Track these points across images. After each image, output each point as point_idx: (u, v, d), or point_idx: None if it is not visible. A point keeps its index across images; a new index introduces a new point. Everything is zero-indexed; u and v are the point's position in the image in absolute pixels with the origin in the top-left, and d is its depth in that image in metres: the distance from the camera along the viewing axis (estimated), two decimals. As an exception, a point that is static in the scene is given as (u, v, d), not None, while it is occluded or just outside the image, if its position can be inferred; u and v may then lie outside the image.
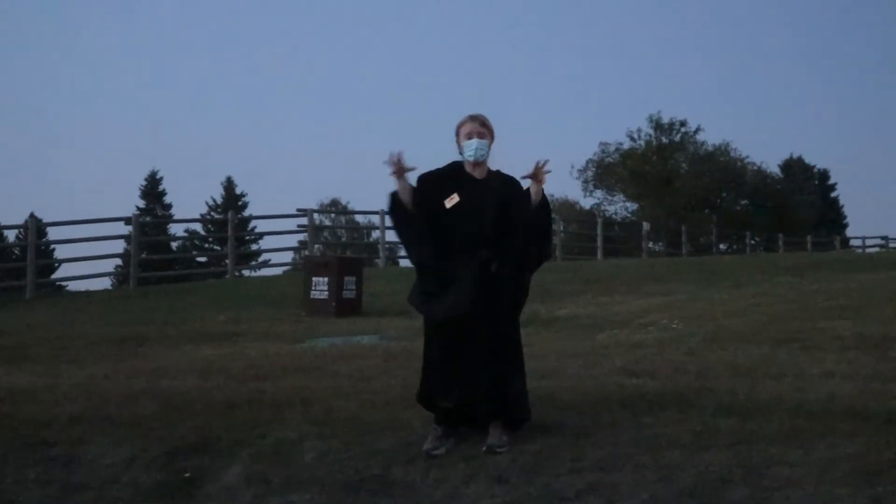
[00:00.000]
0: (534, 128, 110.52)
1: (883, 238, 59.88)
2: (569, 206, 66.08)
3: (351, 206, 72.41)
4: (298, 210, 32.06)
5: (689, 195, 56.54)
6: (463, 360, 6.78)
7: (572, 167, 59.74)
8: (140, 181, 68.47)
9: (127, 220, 28.28)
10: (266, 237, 36.28)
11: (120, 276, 36.78)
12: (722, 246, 53.77)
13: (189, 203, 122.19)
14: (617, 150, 59.47)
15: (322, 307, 17.40)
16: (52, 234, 37.20)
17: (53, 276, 36.34)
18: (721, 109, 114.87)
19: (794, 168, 76.83)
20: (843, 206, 79.88)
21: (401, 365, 9.76)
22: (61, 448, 7.50)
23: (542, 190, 6.96)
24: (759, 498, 5.72)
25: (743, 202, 60.57)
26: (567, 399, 7.78)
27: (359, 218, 57.56)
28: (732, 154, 60.35)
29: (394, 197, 6.97)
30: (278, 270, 36.15)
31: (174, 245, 57.22)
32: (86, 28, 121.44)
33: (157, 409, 8.17)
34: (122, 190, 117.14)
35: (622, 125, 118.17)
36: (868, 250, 54.43)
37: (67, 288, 30.15)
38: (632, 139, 59.73)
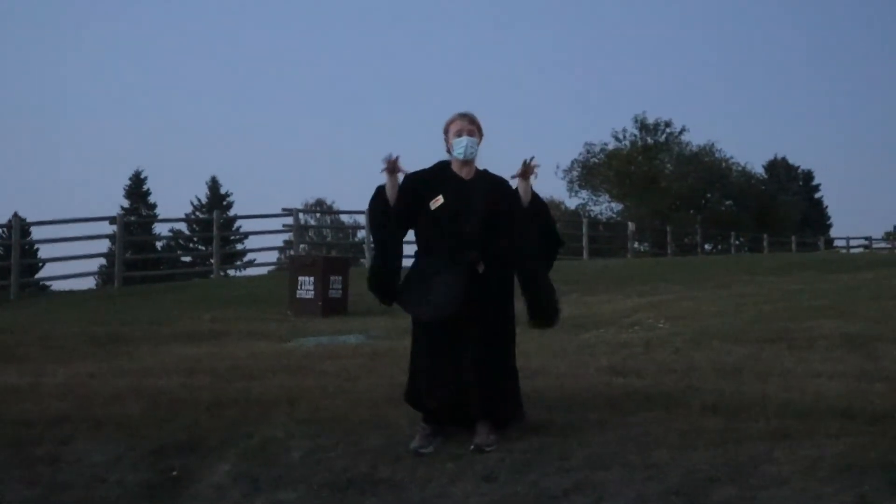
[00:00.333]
0: (519, 128, 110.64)
1: (867, 239, 60.10)
2: (554, 206, 66.01)
3: (336, 206, 72.43)
4: (284, 210, 32.02)
5: (674, 195, 56.62)
6: (451, 360, 6.79)
7: (557, 167, 59.76)
8: (124, 181, 68.31)
9: (112, 220, 28.18)
10: (251, 237, 36.20)
11: (104, 275, 36.72)
12: (707, 246, 53.83)
13: (174, 203, 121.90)
14: (602, 150, 59.52)
15: (308, 307, 17.39)
16: (36, 233, 37.11)
17: (37, 275, 36.25)
18: (706, 110, 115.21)
19: (779, 168, 77.13)
20: (827, 207, 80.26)
21: (387, 364, 9.77)
22: (47, 447, 7.47)
23: (532, 188, 6.96)
24: (745, 496, 5.74)
25: (728, 202, 60.67)
26: (554, 398, 7.79)
27: (344, 218, 57.55)
28: (717, 154, 60.47)
29: (379, 190, 6.98)
30: (263, 270, 36.07)
31: (159, 245, 57.13)
32: (71, 26, 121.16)
33: (144, 409, 8.15)
34: (107, 190, 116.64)
35: (607, 125, 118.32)
36: (852, 251, 54.60)
37: (51, 287, 30.06)
38: (617, 139, 59.83)
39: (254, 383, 9.07)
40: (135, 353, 12.03)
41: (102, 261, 33.08)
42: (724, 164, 60.37)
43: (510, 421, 6.97)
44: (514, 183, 6.96)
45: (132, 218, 51.28)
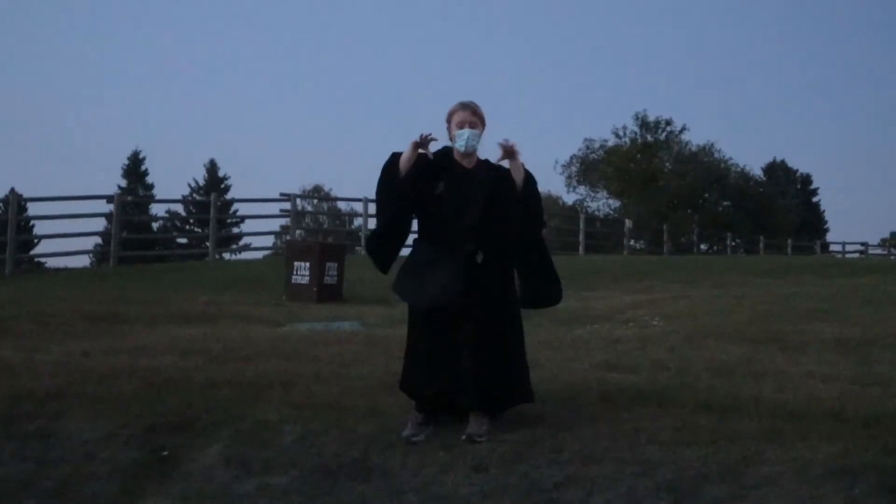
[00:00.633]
0: (518, 122, 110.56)
1: (863, 244, 60.20)
2: (552, 201, 66.02)
3: (333, 193, 72.30)
4: (281, 195, 32.00)
5: (672, 194, 56.56)
6: (447, 349, 6.77)
7: (556, 162, 59.78)
8: (123, 160, 68.21)
9: (109, 199, 28.16)
10: (248, 221, 36.26)
11: (99, 254, 36.68)
12: (703, 246, 53.85)
13: (171, 184, 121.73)
14: (602, 146, 59.43)
15: (303, 292, 17.40)
16: (33, 209, 37.05)
17: (33, 251, 36.22)
18: (706, 110, 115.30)
19: (778, 171, 77.15)
20: (824, 212, 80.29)
21: (381, 352, 9.77)
22: (39, 423, 7.49)
23: (523, 166, 6.94)
24: (737, 495, 5.74)
25: (725, 203, 60.63)
26: (547, 391, 7.77)
27: (341, 205, 57.44)
28: (716, 155, 60.43)
29: (394, 156, 6.93)
30: (259, 255, 36.05)
31: (155, 226, 57.06)
32: (72, 5, 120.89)
33: (137, 388, 8.14)
34: (104, 169, 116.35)
35: (607, 122, 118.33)
36: (848, 256, 54.68)
37: (46, 265, 30.04)
38: (617, 136, 59.68)
39: (247, 366, 9.06)
40: (129, 332, 12.03)
41: (98, 239, 33.05)
42: (722, 165, 60.30)
43: (512, 405, 6.99)
44: (503, 164, 6.93)
45: (129, 198, 51.28)
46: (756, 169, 69.96)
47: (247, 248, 45.05)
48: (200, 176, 69.80)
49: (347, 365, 9.15)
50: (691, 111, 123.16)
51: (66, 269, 25.77)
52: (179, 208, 60.23)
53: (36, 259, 32.98)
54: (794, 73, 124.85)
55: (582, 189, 60.32)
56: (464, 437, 6.69)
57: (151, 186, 67.32)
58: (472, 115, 6.94)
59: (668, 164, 59.00)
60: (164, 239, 48.53)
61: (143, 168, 68.03)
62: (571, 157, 59.74)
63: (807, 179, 79.85)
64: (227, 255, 36.09)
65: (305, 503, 6.26)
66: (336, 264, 17.92)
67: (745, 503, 5.67)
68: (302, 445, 6.85)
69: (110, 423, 7.37)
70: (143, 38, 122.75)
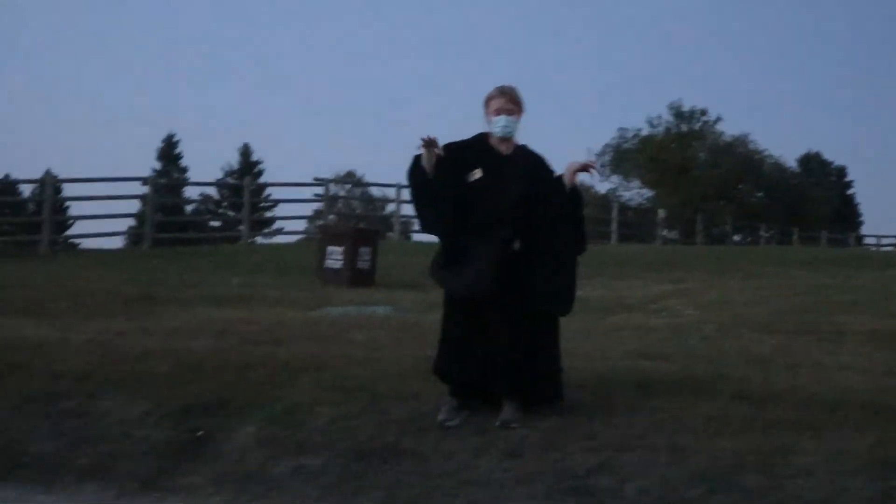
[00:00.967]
0: (553, 110, 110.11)
1: (899, 237, 59.72)
2: (584, 190, 65.68)
3: (366, 179, 72.30)
4: (315, 179, 32.05)
5: (705, 184, 56.28)
6: (481, 336, 6.76)
7: (589, 151, 59.44)
8: (157, 143, 68.41)
9: (144, 181, 28.32)
10: (281, 205, 36.31)
11: (133, 236, 36.83)
12: (736, 237, 53.60)
13: (205, 167, 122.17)
14: (636, 136, 59.19)
15: (336, 276, 17.39)
16: (68, 190, 37.23)
17: (67, 232, 36.39)
18: (741, 101, 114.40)
19: (812, 163, 76.66)
20: (858, 204, 79.70)
21: (414, 336, 9.75)
22: (75, 401, 7.54)
23: (577, 183, 6.95)
24: (771, 485, 5.72)
25: (759, 194, 60.30)
26: (580, 379, 7.75)
27: (374, 190, 57.47)
28: (751, 146, 60.07)
29: (416, 160, 6.91)
30: (292, 238, 36.11)
31: (188, 208, 57.23)
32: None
33: (171, 368, 8.18)
34: (139, 151, 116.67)
35: (642, 111, 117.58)
36: (883, 248, 54.30)
37: (80, 245, 30.22)
38: (651, 126, 59.47)
39: (281, 349, 9.09)
40: (163, 313, 12.07)
41: (132, 221, 33.19)
42: (757, 156, 59.97)
43: (542, 401, 6.95)
44: (567, 169, 6.91)
45: (163, 180, 51.48)
46: (790, 160, 69.57)
47: (280, 231, 45.27)
48: (234, 159, 70.00)
49: (380, 349, 9.16)
50: (726, 102, 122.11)
51: (100, 250, 25.91)
52: (213, 191, 60.42)
53: (71, 239, 33.16)
54: (831, 65, 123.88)
55: (615, 178, 60.14)
56: (498, 422, 6.69)
57: (185, 169, 67.50)
58: (508, 102, 6.91)
59: (702, 155, 58.74)
60: (197, 222, 48.69)
61: (177, 151, 68.25)
62: (605, 147, 59.54)
63: (841, 172, 79.33)
64: (259, 239, 36.13)
65: (338, 485, 6.27)
66: (369, 249, 17.91)
67: (780, 493, 5.65)
68: (335, 428, 6.87)
69: (145, 402, 7.42)
70: (179, 20, 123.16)
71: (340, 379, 7.80)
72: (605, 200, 53.46)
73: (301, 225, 35.96)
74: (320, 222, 29.02)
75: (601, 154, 58.90)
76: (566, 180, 6.88)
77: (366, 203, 52.34)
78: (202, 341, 9.48)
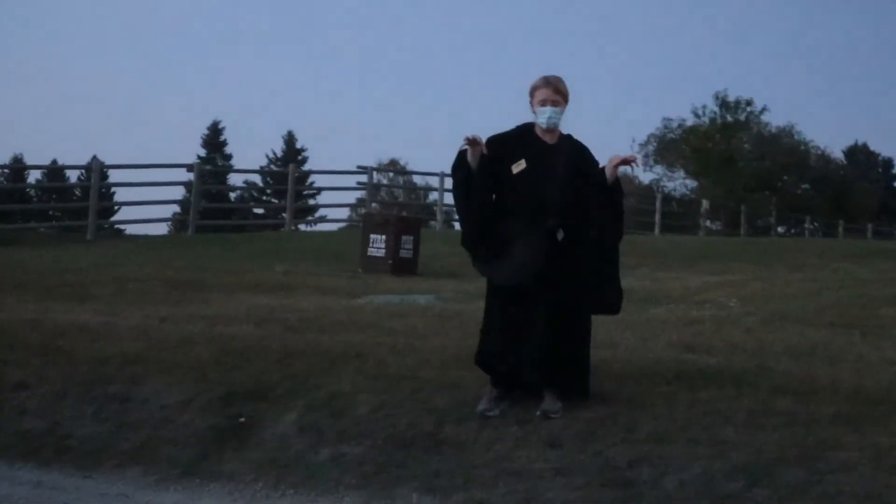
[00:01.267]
0: (598, 99, 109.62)
1: (946, 230, 59.11)
2: (628, 181, 65.62)
3: (409, 167, 72.35)
4: (358, 167, 32.12)
5: (750, 176, 55.92)
6: (522, 326, 6.76)
7: (633, 141, 59.24)
8: (202, 130, 68.83)
9: (189, 167, 28.49)
10: (324, 192, 36.42)
11: (178, 222, 37.08)
12: (780, 229, 53.26)
13: (249, 155, 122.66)
14: (680, 125, 58.88)
15: (378, 265, 17.46)
16: (114, 177, 37.52)
17: (113, 218, 36.71)
18: (788, 92, 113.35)
19: (859, 155, 75.98)
20: (905, 196, 78.91)
21: (456, 326, 9.76)
22: (118, 386, 7.62)
23: (617, 175, 6.92)
24: (812, 480, 5.69)
25: (804, 186, 59.88)
26: (622, 370, 7.74)
27: (416, 179, 57.48)
28: (797, 137, 59.63)
29: (461, 155, 6.91)
30: (334, 226, 36.26)
31: (233, 195, 57.53)
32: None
33: (214, 354, 8.24)
34: (185, 138, 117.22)
35: (687, 101, 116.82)
36: (930, 242, 53.78)
37: (126, 231, 30.46)
38: (696, 116, 59.11)
39: (323, 336, 9.12)
40: (206, 299, 12.16)
41: (176, 208, 33.40)
42: (803, 147, 59.54)
43: (573, 392, 6.94)
44: (609, 162, 6.89)
45: (208, 167, 51.74)
46: (837, 152, 69.02)
47: (323, 219, 45.40)
48: (278, 147, 70.28)
49: (422, 338, 9.17)
50: (772, 92, 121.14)
51: (145, 236, 26.11)
52: (257, 179, 60.64)
53: (116, 225, 33.42)
54: (880, 56, 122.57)
55: (659, 168, 59.89)
56: (538, 412, 6.69)
57: (230, 157, 67.91)
58: (554, 93, 6.90)
59: (746, 146, 58.37)
60: (241, 209, 48.90)
61: (222, 138, 68.63)
62: (649, 136, 59.33)
63: (888, 163, 78.55)
64: (302, 227, 36.22)
65: (378, 473, 6.30)
66: (412, 238, 17.96)
67: (821, 488, 5.61)
68: (376, 416, 6.90)
69: (188, 388, 7.48)
70: (225, 9, 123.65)
71: (382, 367, 7.82)
72: (649, 191, 53.29)
73: (344, 213, 36.05)
74: (363, 210, 29.07)
75: (645, 144, 58.75)
76: (608, 173, 6.86)
77: (409, 191, 52.34)
78: (245, 328, 9.54)
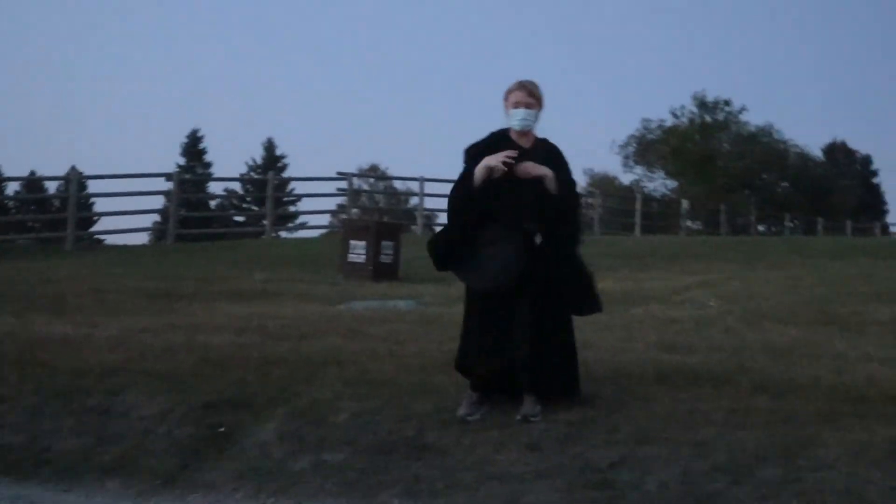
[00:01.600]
0: (576, 102, 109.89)
1: (924, 226, 59.40)
2: (608, 182, 65.77)
3: (390, 173, 72.35)
4: (338, 173, 32.09)
5: (729, 175, 56.06)
6: (502, 329, 6.75)
7: (613, 142, 59.38)
8: (181, 139, 68.64)
9: (168, 176, 28.42)
10: (304, 199, 36.38)
11: (157, 231, 36.98)
12: (760, 227, 53.40)
13: (229, 163, 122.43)
14: (659, 126, 58.97)
15: (359, 270, 17.44)
16: (93, 187, 37.38)
17: (92, 229, 36.58)
18: (765, 91, 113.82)
19: (837, 152, 76.24)
20: (884, 193, 79.23)
21: (437, 330, 9.76)
22: (97, 398, 7.57)
23: (551, 174, 6.84)
24: (792, 477, 5.70)
25: (783, 184, 60.04)
26: (602, 371, 7.76)
27: (397, 184, 57.56)
28: (775, 136, 59.77)
29: (465, 175, 6.89)
30: (315, 233, 36.16)
31: (212, 203, 57.42)
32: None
33: (194, 364, 8.22)
34: (163, 147, 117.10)
35: (665, 102, 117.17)
36: (908, 238, 54.00)
37: (105, 241, 30.37)
38: (675, 116, 59.20)
39: (303, 344, 9.11)
40: (186, 309, 12.13)
41: (156, 217, 33.30)
42: (781, 146, 59.70)
43: (560, 396, 6.93)
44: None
45: (187, 175, 51.61)
46: (815, 150, 69.22)
47: (303, 226, 45.26)
48: (258, 154, 70.13)
49: (402, 343, 9.17)
50: (750, 92, 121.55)
51: (125, 247, 26.03)
52: (237, 186, 60.53)
53: (95, 236, 33.30)
54: (856, 53, 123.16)
55: (639, 169, 60.00)
56: (518, 416, 6.69)
57: (209, 165, 67.67)
58: (527, 96, 6.92)
59: (726, 145, 58.50)
60: (221, 217, 48.81)
61: (201, 146, 68.41)
62: (628, 137, 59.39)
63: (866, 161, 78.86)
64: (283, 234, 36.20)
65: (360, 480, 6.28)
66: (392, 243, 17.95)
67: (801, 485, 5.62)
68: (357, 423, 6.88)
69: (168, 398, 7.44)
70: (203, 15, 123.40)
71: (362, 374, 7.82)
72: (629, 192, 53.37)
73: (324, 219, 35.93)
74: (343, 216, 29.03)
75: (625, 145, 58.82)
76: (547, 185, 6.82)
77: (389, 197, 52.34)
78: (225, 337, 9.52)
